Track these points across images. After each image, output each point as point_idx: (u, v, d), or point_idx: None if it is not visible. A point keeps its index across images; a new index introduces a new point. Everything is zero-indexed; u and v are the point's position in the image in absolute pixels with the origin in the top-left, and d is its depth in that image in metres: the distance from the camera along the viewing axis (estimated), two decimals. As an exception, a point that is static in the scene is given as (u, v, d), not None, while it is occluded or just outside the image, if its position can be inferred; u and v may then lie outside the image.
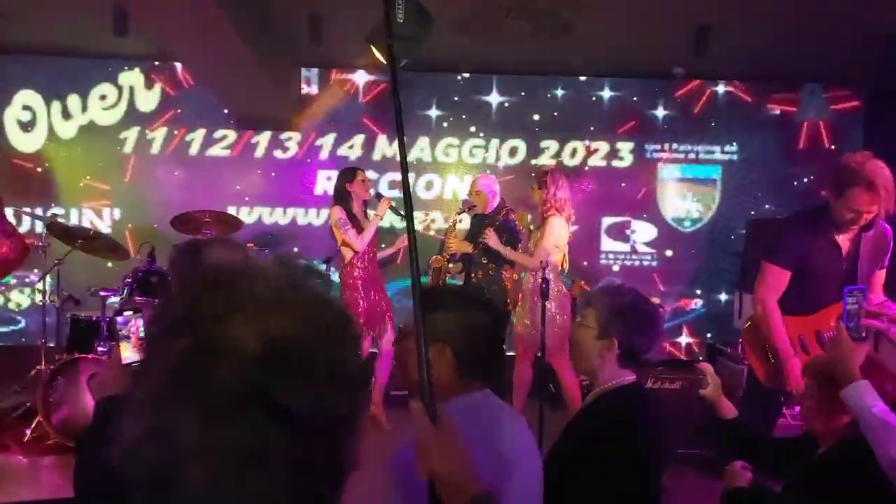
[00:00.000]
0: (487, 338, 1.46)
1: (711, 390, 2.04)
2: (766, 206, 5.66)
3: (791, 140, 5.70)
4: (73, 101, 5.46)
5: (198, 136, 5.55)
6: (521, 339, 4.06)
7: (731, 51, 4.52)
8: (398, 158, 4.75)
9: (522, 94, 5.64)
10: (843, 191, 2.55)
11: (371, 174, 4.97)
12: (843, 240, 2.70)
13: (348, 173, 4.40)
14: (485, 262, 4.32)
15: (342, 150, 5.60)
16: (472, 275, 4.39)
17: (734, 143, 5.72)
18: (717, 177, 5.76)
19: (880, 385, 1.64)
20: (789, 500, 1.88)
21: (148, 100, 5.52)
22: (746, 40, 4.54)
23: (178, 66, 5.43)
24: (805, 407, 1.81)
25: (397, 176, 5.53)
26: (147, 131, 5.50)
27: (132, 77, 5.51)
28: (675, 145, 5.73)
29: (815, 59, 4.98)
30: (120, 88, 5.51)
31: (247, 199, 5.59)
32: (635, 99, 5.68)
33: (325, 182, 5.60)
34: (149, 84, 5.52)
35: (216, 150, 5.58)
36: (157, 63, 5.46)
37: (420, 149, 5.62)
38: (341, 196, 4.31)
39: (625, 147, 5.69)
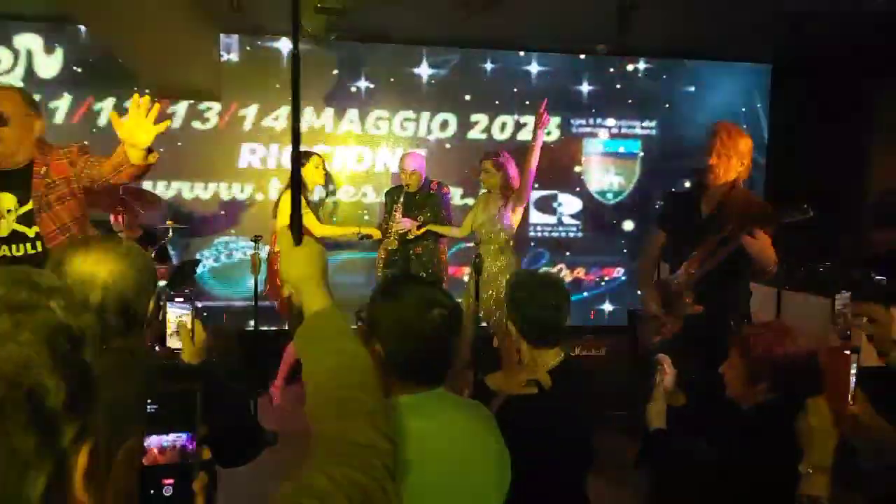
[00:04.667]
0: (429, 340, 1.33)
1: (670, 381, 2.10)
2: (682, 180, 5.94)
3: (705, 115, 5.99)
4: (-39, 64, 4.94)
5: (107, 105, 5.16)
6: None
7: (649, 29, 4.71)
8: (327, 130, 4.57)
9: (452, 67, 5.62)
10: (705, 146, 2.99)
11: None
12: (708, 202, 2.98)
13: (304, 157, 4.32)
14: (422, 238, 4.45)
15: (266, 122, 5.37)
16: (412, 251, 4.47)
17: (653, 119, 5.96)
18: (637, 151, 5.99)
19: (769, 347, 1.83)
20: (700, 449, 2.00)
21: (48, 65, 5.07)
22: (663, 19, 4.73)
23: (83, 28, 5.01)
24: (729, 375, 1.97)
25: (326, 149, 5.40)
26: (48, 100, 5.05)
27: (29, 40, 5.03)
28: (598, 120, 5.90)
29: (727, 38, 5.25)
30: (16, 52, 5.02)
31: (164, 172, 5.27)
32: (562, 75, 5.78)
33: (249, 155, 5.37)
34: (49, 48, 5.07)
35: (129, 121, 5.20)
36: (57, 25, 5.01)
37: (349, 121, 5.49)
38: None
39: (552, 122, 5.80)
